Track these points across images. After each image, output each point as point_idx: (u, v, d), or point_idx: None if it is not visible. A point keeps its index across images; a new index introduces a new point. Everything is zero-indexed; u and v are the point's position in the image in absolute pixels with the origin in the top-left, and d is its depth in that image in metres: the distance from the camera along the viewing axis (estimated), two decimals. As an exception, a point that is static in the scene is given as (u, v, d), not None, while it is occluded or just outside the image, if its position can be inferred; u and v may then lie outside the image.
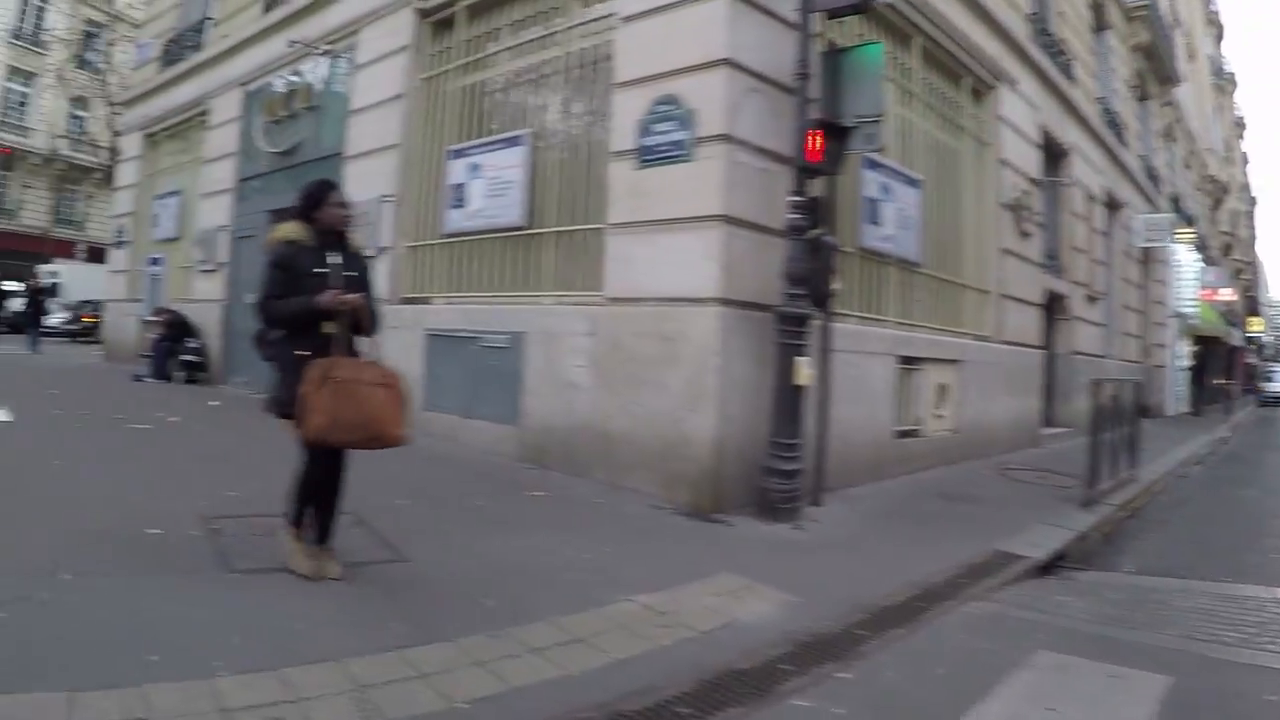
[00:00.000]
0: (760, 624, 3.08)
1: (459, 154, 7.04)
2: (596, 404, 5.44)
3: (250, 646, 2.50)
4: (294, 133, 9.19)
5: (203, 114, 11.29)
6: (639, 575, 3.52)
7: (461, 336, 6.55)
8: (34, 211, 36.36)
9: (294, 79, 9.31)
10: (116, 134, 19.17)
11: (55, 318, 25.91)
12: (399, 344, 7.01)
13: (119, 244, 12.91)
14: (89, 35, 33.36)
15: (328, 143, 8.71)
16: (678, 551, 3.99)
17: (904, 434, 6.72)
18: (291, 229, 3.27)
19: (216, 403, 8.07)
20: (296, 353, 3.04)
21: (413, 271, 7.38)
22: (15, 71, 35.18)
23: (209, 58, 11.05)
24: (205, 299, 10.31)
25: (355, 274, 3.25)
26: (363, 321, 3.19)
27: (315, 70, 9.06)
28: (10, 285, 31.65)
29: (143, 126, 12.77)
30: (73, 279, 30.50)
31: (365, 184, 7.68)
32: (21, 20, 34.99)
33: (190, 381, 9.86)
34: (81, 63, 35.91)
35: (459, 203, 6.97)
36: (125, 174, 13.29)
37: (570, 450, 5.58)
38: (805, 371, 4.83)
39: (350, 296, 3.08)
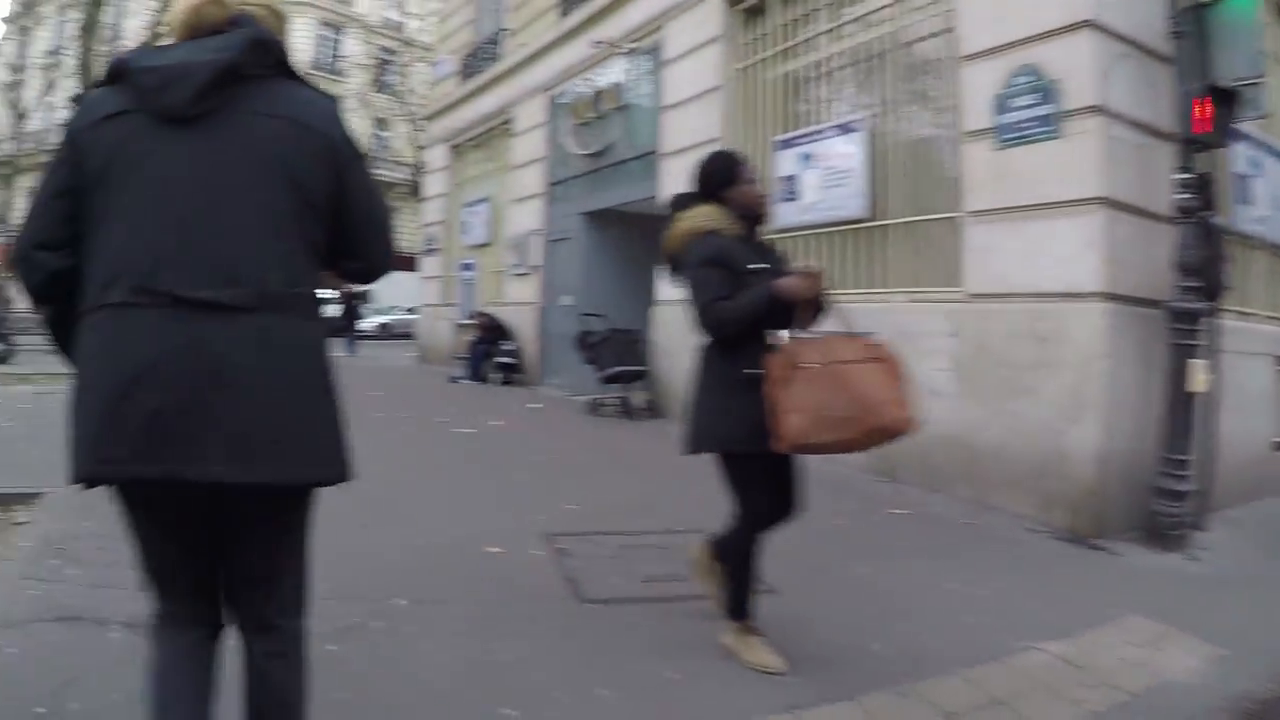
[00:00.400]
0: (1194, 684, 2.96)
1: (787, 144, 7.86)
2: (960, 413, 5.68)
3: (627, 707, 2.56)
4: (604, 134, 10.65)
5: (506, 122, 13.31)
6: (1036, 615, 3.49)
7: (797, 336, 7.37)
8: None
9: (599, 80, 10.78)
10: (420, 148, 22.72)
11: (368, 322, 31.14)
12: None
13: (430, 251, 15.57)
14: (384, 62, 39.26)
15: (641, 141, 10.01)
16: (1069, 585, 4.00)
17: (1281, 446, 6.38)
18: (709, 214, 2.98)
19: (537, 405, 9.66)
20: (743, 370, 2.77)
21: (737, 269, 8.35)
22: (319, 99, 42.61)
23: (508, 68, 13.02)
24: (519, 302, 12.22)
25: (770, 267, 2.91)
26: (818, 309, 2.88)
27: (620, 70, 10.42)
28: (326, 293, 38.01)
29: (447, 138, 15.27)
30: (385, 285, 36.31)
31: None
32: (318, 52, 42.44)
33: (505, 383, 11.76)
34: (380, 86, 42.43)
35: (790, 195, 7.76)
36: (432, 184, 15.98)
37: (928, 463, 5.84)
38: (1201, 376, 4.82)
39: (813, 272, 2.75)
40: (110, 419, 1.52)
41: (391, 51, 39.74)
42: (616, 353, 8.58)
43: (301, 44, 40.96)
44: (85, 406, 1.57)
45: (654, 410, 8.82)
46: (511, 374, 11.87)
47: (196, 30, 1.69)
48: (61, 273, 1.64)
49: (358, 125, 42.77)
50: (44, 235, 1.65)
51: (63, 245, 1.64)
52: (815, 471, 5.86)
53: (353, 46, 41.13)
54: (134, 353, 1.54)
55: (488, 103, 13.85)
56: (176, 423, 1.52)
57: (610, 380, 8.69)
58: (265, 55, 1.69)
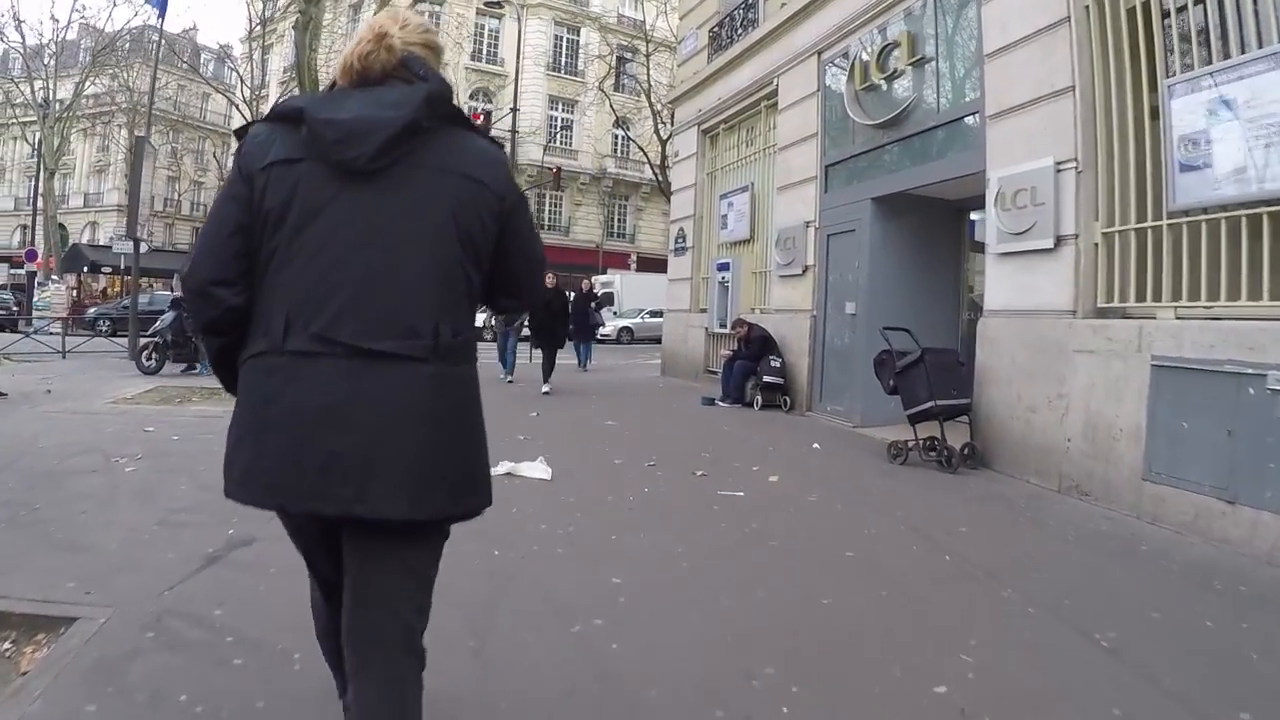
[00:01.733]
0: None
1: (1189, 88, 5.56)
2: None
3: None
4: (898, 97, 8.69)
5: (768, 96, 11.66)
6: None
7: (1220, 371, 5.06)
8: (586, 227, 45.00)
9: (889, 31, 8.82)
10: (664, 141, 21.78)
11: (608, 327, 31.03)
12: (1101, 377, 5.83)
13: (679, 250, 14.26)
14: (622, 60, 39.65)
15: (951, 101, 7.97)
16: None
17: None
18: None
19: (817, 446, 7.77)
20: None
21: (1115, 269, 6.11)
22: (555, 100, 43.98)
23: (768, 32, 11.35)
24: (787, 309, 10.52)
25: None
26: None
27: (918, 14, 8.41)
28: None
29: (698, 121, 13.86)
30: (627, 288, 36.47)
31: (1024, 148, 6.70)
32: (554, 52, 43.63)
33: (768, 406, 10.09)
34: (618, 84, 43.30)
35: (1196, 163, 5.48)
36: (681, 175, 14.64)
37: None
38: None
39: None
40: (292, 457, 1.67)
41: (630, 49, 39.89)
42: (931, 381, 6.59)
43: (537, 43, 42.31)
44: (262, 444, 1.70)
45: (977, 457, 6.79)
46: (776, 395, 10.17)
47: (364, 76, 1.80)
48: (236, 308, 1.77)
49: (597, 127, 43.84)
50: (221, 271, 1.75)
51: (237, 281, 1.76)
52: (1233, 574, 4.36)
53: (590, 45, 41.71)
54: (316, 398, 1.67)
55: (744, 76, 12.28)
56: (351, 465, 1.66)
57: (920, 417, 6.73)
58: (440, 109, 1.78)
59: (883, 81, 8.90)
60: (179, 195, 51.75)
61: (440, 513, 1.77)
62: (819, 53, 10.18)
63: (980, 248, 9.37)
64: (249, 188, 1.74)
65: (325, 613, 2.06)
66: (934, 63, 8.28)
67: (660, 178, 21.98)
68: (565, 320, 12.87)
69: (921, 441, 6.87)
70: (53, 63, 36.44)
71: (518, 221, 1.91)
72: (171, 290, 13.83)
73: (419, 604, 1.88)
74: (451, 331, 1.76)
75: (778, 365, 10.15)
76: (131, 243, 26.44)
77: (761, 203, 11.91)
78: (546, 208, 44.55)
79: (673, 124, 16.22)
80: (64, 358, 15.77)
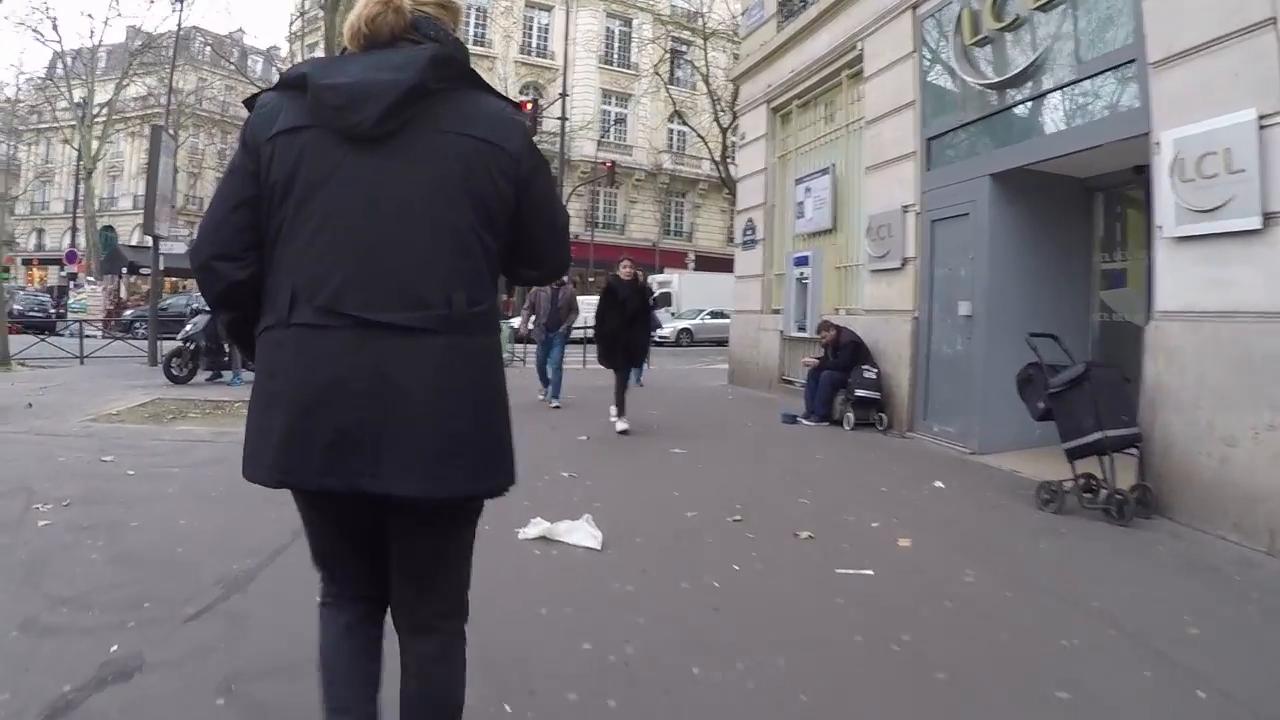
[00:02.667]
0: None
1: None
2: None
3: None
4: (1021, 49, 7.19)
5: (851, 64, 10.24)
6: None
7: None
8: (642, 225, 43.91)
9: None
10: (725, 129, 20.42)
11: (667, 328, 29.89)
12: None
13: (748, 243, 12.89)
14: (676, 52, 38.50)
15: (1094, 48, 6.48)
16: None
17: None
18: None
19: (940, 485, 6.18)
20: None
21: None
22: (609, 93, 42.91)
23: (851, -12, 9.92)
24: (882, 309, 9.08)
25: None
26: None
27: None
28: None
29: (767, 98, 12.48)
30: (685, 287, 35.28)
31: (1209, 100, 5.23)
32: (608, 45, 42.61)
33: (861, 424, 8.68)
34: (672, 78, 42.21)
35: None
36: (749, 160, 13.26)
37: None
38: None
39: None
40: (298, 433, 1.63)
41: (684, 41, 38.83)
42: (1099, 405, 5.12)
43: (588, 35, 41.31)
44: (270, 418, 1.67)
45: (1149, 503, 5.32)
46: (870, 412, 8.75)
47: (372, 40, 1.75)
48: (241, 283, 1.74)
49: (651, 121, 42.73)
50: (224, 246, 1.73)
51: (242, 255, 1.73)
52: None
53: (644, 28, 40.71)
54: (321, 372, 1.63)
55: (820, 43, 10.86)
56: (360, 439, 1.61)
57: (1085, 452, 5.25)
58: (447, 70, 1.72)
59: (1001, 32, 7.42)
60: (205, 193, 52.01)
61: (460, 491, 1.70)
62: (913, 7, 8.73)
63: (1116, 234, 7.88)
64: (255, 159, 1.71)
65: (334, 632, 1.90)
66: (1067, 4, 6.80)
67: (722, 171, 20.58)
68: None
69: (1080, 480, 5.41)
70: (91, 64, 36.54)
71: (537, 186, 1.83)
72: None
73: (458, 572, 1.89)
74: (466, 301, 1.70)
75: (872, 376, 8.69)
76: (168, 241, 26.23)
77: (846, 187, 10.47)
78: (601, 205, 43.58)
79: (734, 106, 14.85)
80: (81, 363, 15.03)
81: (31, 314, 25.33)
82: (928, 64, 8.57)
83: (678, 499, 5.43)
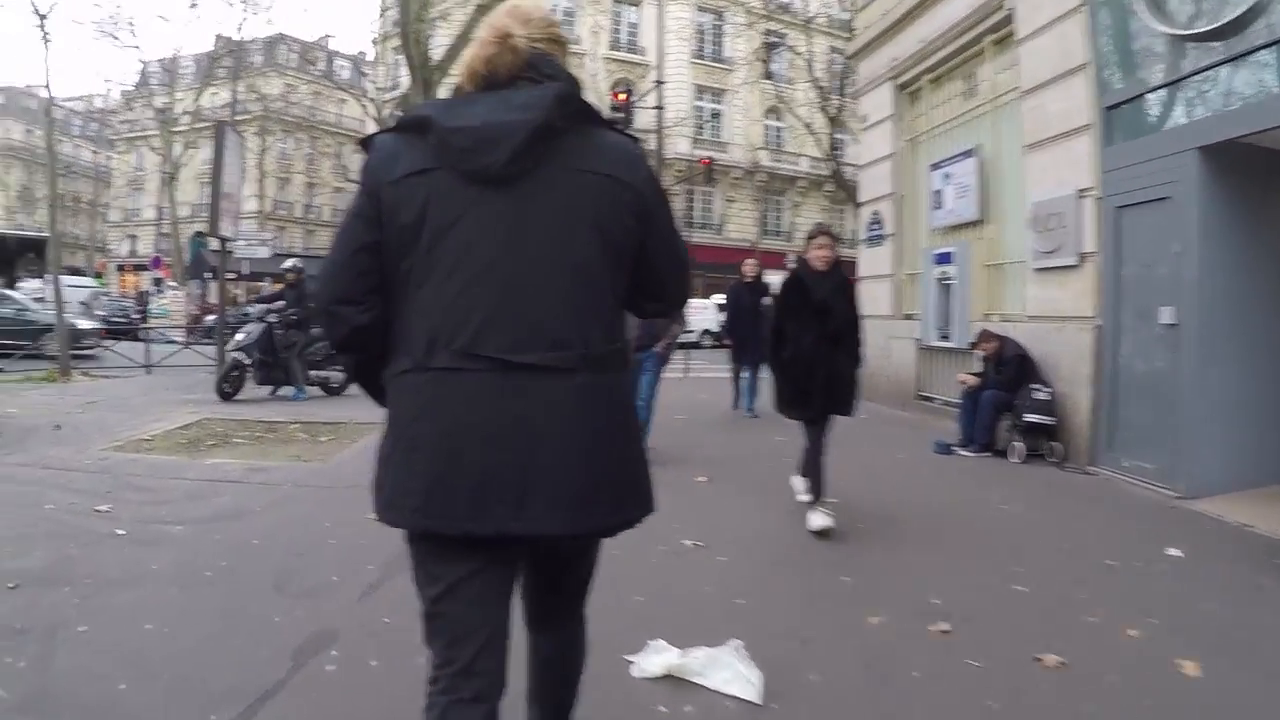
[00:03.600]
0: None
1: None
2: None
3: None
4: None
5: (996, 27, 8.88)
6: None
7: None
8: (740, 225, 42.72)
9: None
10: (832, 119, 19.12)
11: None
12: None
13: (873, 239, 11.59)
14: (770, 46, 37.24)
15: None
16: None
17: None
18: None
19: (1175, 553, 4.70)
20: None
21: None
22: (702, 89, 41.78)
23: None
24: (1052, 315, 7.70)
25: None
26: None
27: None
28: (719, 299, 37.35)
29: (892, 74, 11.17)
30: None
31: None
32: (700, 39, 41.52)
33: (1032, 455, 7.33)
34: (768, 72, 40.94)
35: None
36: (873, 144, 11.94)
37: None
38: None
39: None
40: (442, 478, 1.64)
41: (779, 34, 37.50)
42: None
43: (680, 30, 40.23)
44: (412, 464, 1.68)
45: None
46: (1042, 440, 7.38)
47: (490, 80, 1.76)
48: (364, 327, 1.76)
49: (747, 118, 41.47)
50: (346, 290, 1.74)
51: (364, 299, 1.74)
52: None
53: (738, 24, 39.51)
54: (464, 416, 1.65)
55: (957, 6, 9.53)
56: (506, 482, 1.63)
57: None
58: (571, 108, 1.72)
59: (1211, -31, 6.02)
60: (318, 203, 53.00)
61: (600, 527, 1.76)
62: (1079, -48, 7.36)
63: None
64: (376, 204, 1.71)
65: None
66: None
67: (830, 165, 19.18)
68: (856, 349, 5.41)
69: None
70: (173, 70, 37.45)
71: (661, 219, 1.86)
72: (268, 302, 11.91)
73: (585, 589, 2.03)
74: (602, 339, 1.73)
75: (1045, 398, 7.30)
76: (251, 245, 26.18)
77: (995, 170, 9.06)
78: (697, 205, 42.55)
79: (844, 89, 13.49)
80: (148, 372, 14.64)
81: (114, 320, 25.29)
82: (1104, 16, 7.16)
83: (850, 590, 4.08)
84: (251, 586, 3.81)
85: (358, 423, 8.58)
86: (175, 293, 30.86)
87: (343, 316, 1.75)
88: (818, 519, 4.96)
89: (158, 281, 32.32)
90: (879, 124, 11.62)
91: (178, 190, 38.01)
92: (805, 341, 5.10)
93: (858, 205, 12.34)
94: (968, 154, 9.35)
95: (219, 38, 38.97)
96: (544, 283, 1.67)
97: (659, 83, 30.06)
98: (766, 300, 9.77)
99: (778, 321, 5.35)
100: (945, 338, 9.43)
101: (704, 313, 32.00)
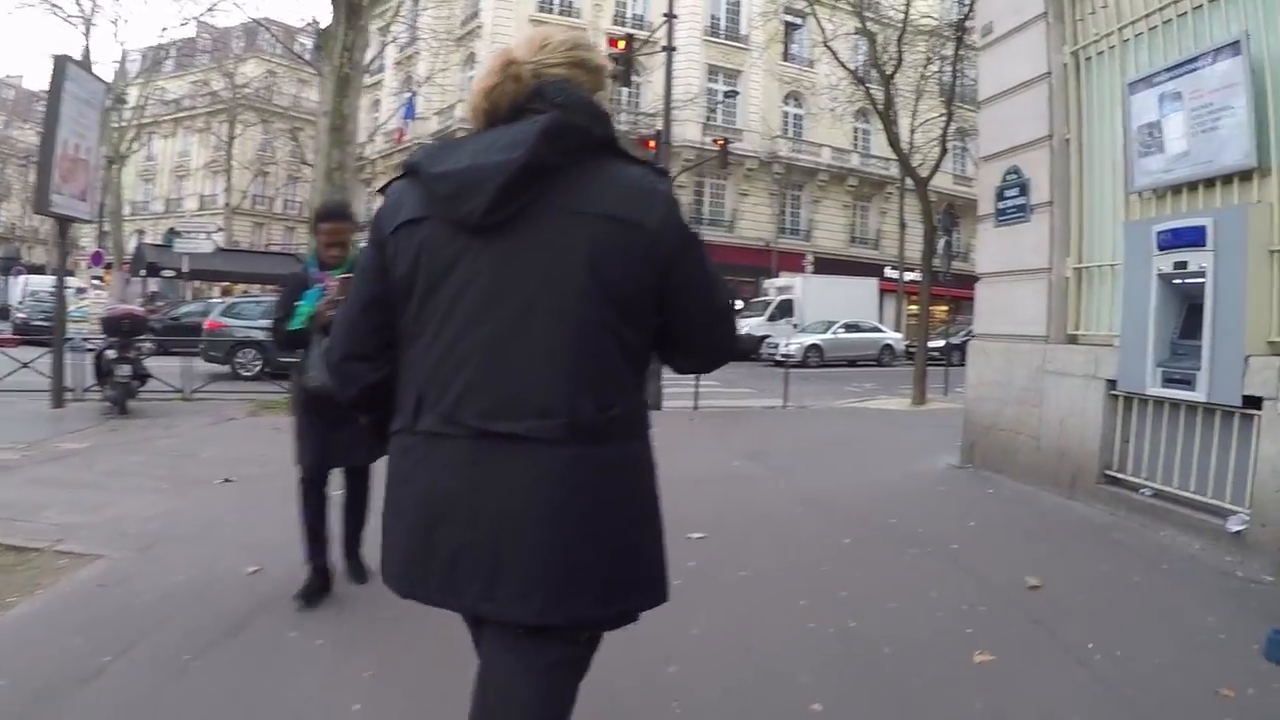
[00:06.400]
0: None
1: None
2: None
3: None
4: None
5: None
6: None
7: None
8: (754, 222, 38.93)
9: None
10: (888, 78, 15.16)
11: (790, 344, 24.66)
12: None
13: (1011, 214, 7.37)
14: (790, 26, 33.74)
15: None
16: None
17: None
18: None
19: None
20: None
21: None
22: (716, 69, 37.92)
23: None
24: None
25: None
26: None
27: None
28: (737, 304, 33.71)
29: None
30: (809, 295, 29.97)
31: None
32: (713, 15, 37.81)
33: None
34: (786, 54, 37.20)
35: None
36: (1006, 65, 7.63)
37: None
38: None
39: None
40: (419, 548, 1.61)
41: (799, 14, 33.92)
42: None
43: (693, 4, 36.46)
44: (396, 529, 1.68)
45: None
46: None
47: (493, 115, 1.66)
48: (375, 384, 1.73)
49: (762, 102, 37.69)
50: (356, 346, 1.74)
51: (375, 356, 1.72)
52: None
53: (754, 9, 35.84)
54: (441, 485, 1.59)
55: None
56: (478, 560, 1.56)
57: None
58: (568, 141, 1.57)
59: None
60: (275, 192, 49.50)
61: (583, 618, 1.61)
62: None
63: None
64: (381, 254, 1.68)
65: None
66: None
67: (889, 132, 15.27)
68: None
69: None
70: (122, 61, 34.93)
71: (687, 266, 1.67)
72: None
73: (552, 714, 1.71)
74: (595, 406, 1.57)
75: None
76: (200, 239, 22.63)
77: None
78: (706, 199, 38.69)
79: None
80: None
81: (36, 323, 23.06)
82: None
83: None
84: None
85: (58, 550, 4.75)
86: (99, 292, 27.49)
87: (354, 374, 1.75)
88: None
89: (97, 279, 28.93)
90: (1018, 31, 7.30)
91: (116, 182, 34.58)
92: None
93: (980, 161, 8.16)
94: (1222, 53, 5.25)
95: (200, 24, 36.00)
96: (531, 342, 1.56)
97: (668, 48, 25.92)
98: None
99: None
100: (1181, 382, 5.31)
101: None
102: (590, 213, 1.56)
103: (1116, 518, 5.73)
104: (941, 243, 17.01)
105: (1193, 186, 5.53)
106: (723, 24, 39.36)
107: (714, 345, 1.79)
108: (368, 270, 1.70)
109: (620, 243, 1.56)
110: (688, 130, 35.54)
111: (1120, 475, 5.94)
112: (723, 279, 1.79)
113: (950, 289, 25.83)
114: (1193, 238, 5.21)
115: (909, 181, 16.33)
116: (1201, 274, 5.16)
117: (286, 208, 51.05)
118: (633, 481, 1.65)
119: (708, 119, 36.19)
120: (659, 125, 35.60)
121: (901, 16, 15.93)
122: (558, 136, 1.54)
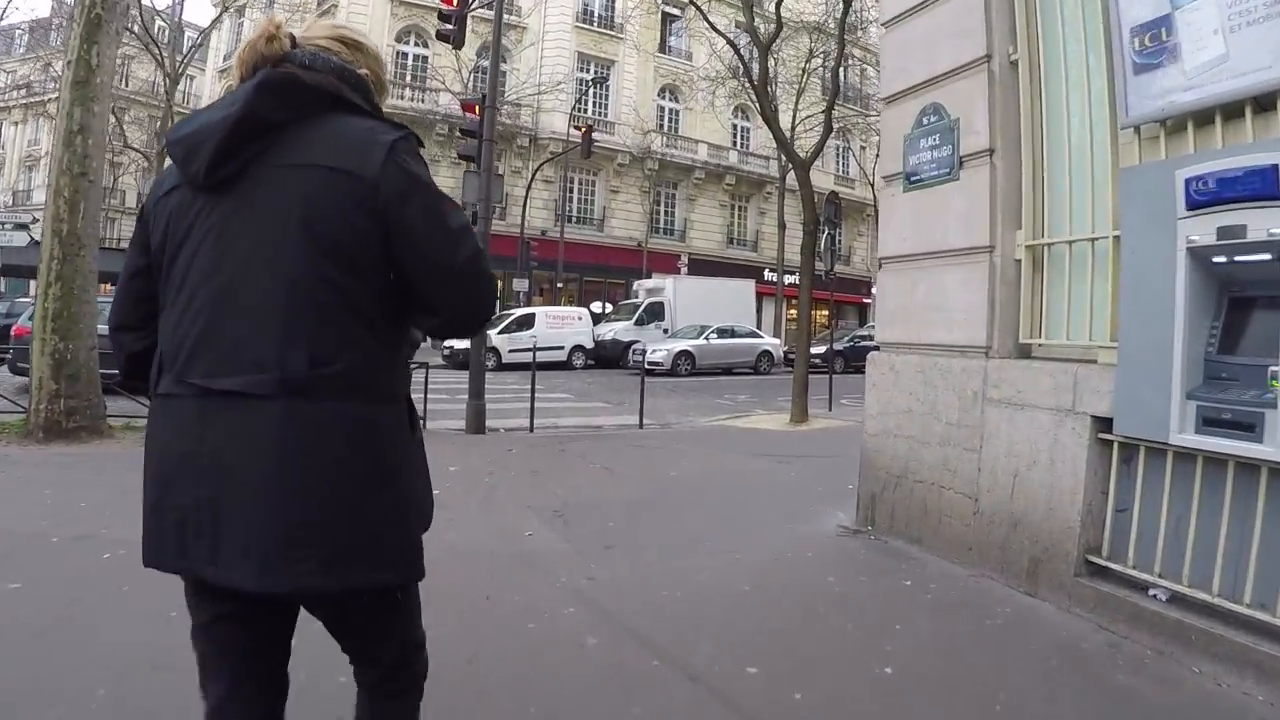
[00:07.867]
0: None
1: None
2: None
3: None
4: None
5: None
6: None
7: None
8: (626, 220, 37.34)
9: None
10: (767, 46, 13.28)
11: (658, 350, 22.63)
12: None
13: (927, 170, 5.27)
14: (669, 18, 32.16)
15: None
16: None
17: None
18: None
19: None
20: None
21: None
22: (586, 59, 35.89)
23: None
24: None
25: None
26: None
27: None
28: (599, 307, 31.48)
29: None
30: (681, 297, 27.97)
31: None
32: (587, 3, 36.02)
33: None
34: (664, 45, 35.52)
35: None
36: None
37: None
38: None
39: None
40: (154, 512, 1.56)
41: (678, 3, 32.48)
42: None
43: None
44: (144, 497, 1.61)
45: None
46: None
47: (244, 77, 1.64)
48: (139, 354, 1.72)
49: (636, 95, 35.91)
50: (123, 317, 1.75)
51: (140, 326, 1.72)
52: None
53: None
54: (171, 447, 1.55)
55: None
56: (200, 522, 1.51)
57: None
58: (287, 97, 1.56)
59: None
60: (117, 180, 44.92)
61: (304, 586, 1.50)
62: None
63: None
64: (144, 228, 1.70)
65: None
66: None
67: (764, 109, 13.47)
68: None
69: None
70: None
71: (409, 214, 1.57)
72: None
73: (374, 656, 1.78)
74: (307, 361, 1.50)
75: None
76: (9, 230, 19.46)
77: None
78: (576, 195, 36.38)
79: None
80: None
81: None
82: None
83: None
84: None
85: None
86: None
87: (121, 343, 1.75)
88: None
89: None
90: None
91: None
92: None
93: (883, 101, 6.03)
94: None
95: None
96: (248, 297, 1.51)
97: (539, 39, 23.36)
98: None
99: None
100: (1236, 426, 3.24)
101: (578, 324, 25.76)
102: (305, 164, 1.53)
103: (1114, 636, 3.66)
104: (824, 237, 15.15)
105: (1233, 110, 3.47)
106: (596, 11, 37.28)
107: (451, 306, 1.64)
108: (134, 242, 1.71)
109: (334, 193, 1.52)
110: (554, 121, 33.30)
111: (1113, 565, 3.84)
112: (470, 236, 1.64)
113: (833, 293, 24.44)
114: (1255, 186, 3.15)
115: (790, 180, 14.62)
116: (1271, 245, 3.12)
117: (140, 201, 46.75)
118: (361, 441, 1.54)
119: (575, 108, 33.92)
120: (524, 115, 33.20)
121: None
122: (275, 90, 1.54)
